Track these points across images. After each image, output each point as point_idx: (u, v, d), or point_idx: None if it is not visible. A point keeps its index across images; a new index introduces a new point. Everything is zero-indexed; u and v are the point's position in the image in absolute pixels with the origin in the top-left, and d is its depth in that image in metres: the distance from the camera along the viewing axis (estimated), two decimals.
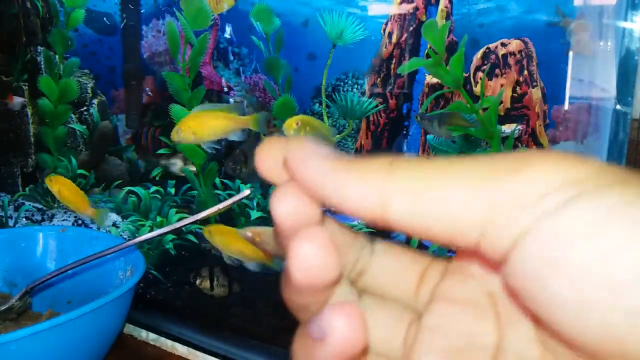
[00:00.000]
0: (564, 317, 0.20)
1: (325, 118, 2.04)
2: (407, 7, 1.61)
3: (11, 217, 1.64)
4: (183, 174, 1.60)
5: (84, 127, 1.98)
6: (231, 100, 2.10)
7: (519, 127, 1.38)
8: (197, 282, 1.27)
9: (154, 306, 1.25)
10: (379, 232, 1.49)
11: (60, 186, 1.37)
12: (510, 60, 1.39)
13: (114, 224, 1.60)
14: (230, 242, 1.22)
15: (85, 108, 2.02)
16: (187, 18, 1.42)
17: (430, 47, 0.92)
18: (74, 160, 1.78)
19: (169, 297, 1.28)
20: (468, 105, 0.96)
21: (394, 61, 1.68)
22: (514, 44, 1.38)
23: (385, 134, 1.74)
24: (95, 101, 2.05)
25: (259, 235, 0.96)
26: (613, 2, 0.93)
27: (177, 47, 1.44)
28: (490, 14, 1.56)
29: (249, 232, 0.95)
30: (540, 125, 1.40)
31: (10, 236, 1.20)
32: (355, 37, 1.84)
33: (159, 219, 1.50)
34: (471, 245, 0.23)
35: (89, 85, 2.03)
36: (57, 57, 1.71)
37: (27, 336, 0.77)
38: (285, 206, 0.26)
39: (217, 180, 1.82)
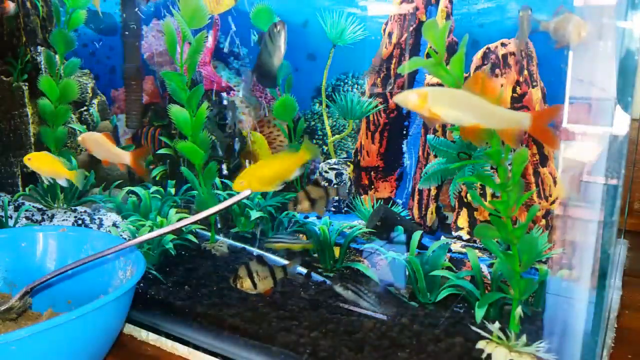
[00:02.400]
0: None
1: (325, 118, 2.04)
2: (407, 7, 1.61)
3: (11, 217, 1.64)
4: None
5: (84, 127, 1.98)
6: (230, 100, 2.10)
7: None
8: (238, 284, 1.18)
9: (154, 306, 1.25)
10: (380, 232, 1.48)
11: (39, 164, 1.40)
12: (510, 60, 1.39)
13: (114, 224, 1.60)
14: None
15: (85, 108, 2.03)
16: (183, 17, 1.41)
17: (431, 47, 0.92)
18: (74, 160, 1.78)
19: (169, 297, 1.28)
20: None
21: (394, 61, 1.68)
22: (514, 44, 1.39)
23: (385, 134, 1.74)
24: (95, 101, 2.05)
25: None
26: (613, 3, 0.93)
27: (175, 46, 1.44)
28: (490, 14, 1.56)
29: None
30: None
31: (10, 236, 1.20)
32: (355, 37, 1.84)
33: (159, 219, 1.50)
34: None
35: (89, 85, 2.04)
36: (57, 57, 1.71)
37: (27, 336, 0.77)
38: None
39: (217, 180, 1.83)
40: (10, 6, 1.69)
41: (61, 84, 1.69)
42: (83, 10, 1.68)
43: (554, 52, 1.13)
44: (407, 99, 0.82)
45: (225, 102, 2.03)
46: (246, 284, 1.17)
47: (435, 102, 0.81)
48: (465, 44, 0.89)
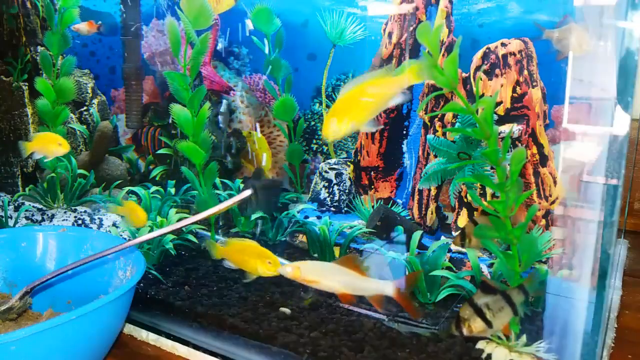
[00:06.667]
0: None
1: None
2: (407, 7, 1.61)
3: (11, 217, 1.64)
4: None
5: (84, 127, 1.98)
6: (231, 99, 2.10)
7: (518, 127, 1.38)
8: (465, 330, 0.89)
9: (154, 306, 1.25)
10: (380, 232, 1.48)
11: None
12: (510, 60, 1.39)
13: (114, 224, 1.60)
14: None
15: (85, 108, 2.03)
16: (188, 17, 1.41)
17: (427, 50, 0.92)
18: (73, 160, 1.78)
19: (169, 297, 1.28)
20: (464, 107, 0.95)
21: (394, 61, 1.68)
22: (514, 44, 1.38)
23: (385, 134, 1.74)
24: (95, 101, 2.05)
25: None
26: (613, 3, 0.93)
27: (179, 46, 1.43)
28: (490, 14, 1.56)
29: None
30: (540, 125, 1.40)
31: (10, 236, 1.20)
32: (355, 37, 1.84)
33: (159, 219, 1.50)
34: None
35: (89, 85, 2.04)
36: (53, 57, 1.70)
37: (27, 336, 0.77)
38: None
39: (217, 180, 1.83)
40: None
41: (57, 84, 1.69)
42: (75, 9, 1.67)
43: (554, 52, 1.13)
44: (285, 271, 1.01)
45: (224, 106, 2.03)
46: (477, 326, 0.90)
47: (307, 273, 1.00)
48: (460, 45, 0.89)
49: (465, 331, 0.91)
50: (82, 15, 1.72)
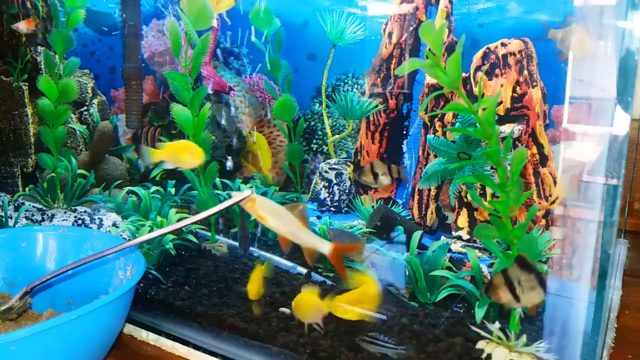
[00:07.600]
0: None
1: (325, 118, 2.04)
2: (407, 7, 1.61)
3: (11, 217, 1.64)
4: None
5: (84, 127, 1.98)
6: (230, 99, 2.10)
7: (519, 127, 1.38)
8: (492, 295, 0.90)
9: (154, 306, 1.25)
10: (379, 232, 1.48)
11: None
12: (510, 60, 1.39)
13: (114, 224, 1.60)
14: None
15: (85, 108, 2.03)
16: (189, 18, 1.41)
17: (429, 49, 0.92)
18: (74, 160, 1.78)
19: (169, 297, 1.28)
20: (467, 106, 0.95)
21: (394, 61, 1.69)
22: (514, 44, 1.39)
23: (385, 134, 1.75)
24: (95, 101, 2.05)
25: None
26: (613, 3, 0.93)
27: (180, 46, 1.43)
28: (490, 14, 1.57)
29: None
30: (540, 125, 1.40)
31: (10, 236, 1.20)
32: (355, 37, 1.84)
33: (159, 219, 1.50)
34: None
35: (89, 85, 2.04)
36: (57, 57, 1.71)
37: (27, 336, 0.77)
38: None
39: (217, 180, 1.83)
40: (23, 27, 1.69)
41: (60, 84, 1.69)
42: (82, 9, 1.68)
43: (557, 53, 1.13)
44: (241, 195, 0.97)
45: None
46: (504, 296, 0.91)
47: (260, 207, 0.97)
48: (462, 44, 0.89)
49: (493, 298, 0.92)
50: (87, 17, 1.72)
